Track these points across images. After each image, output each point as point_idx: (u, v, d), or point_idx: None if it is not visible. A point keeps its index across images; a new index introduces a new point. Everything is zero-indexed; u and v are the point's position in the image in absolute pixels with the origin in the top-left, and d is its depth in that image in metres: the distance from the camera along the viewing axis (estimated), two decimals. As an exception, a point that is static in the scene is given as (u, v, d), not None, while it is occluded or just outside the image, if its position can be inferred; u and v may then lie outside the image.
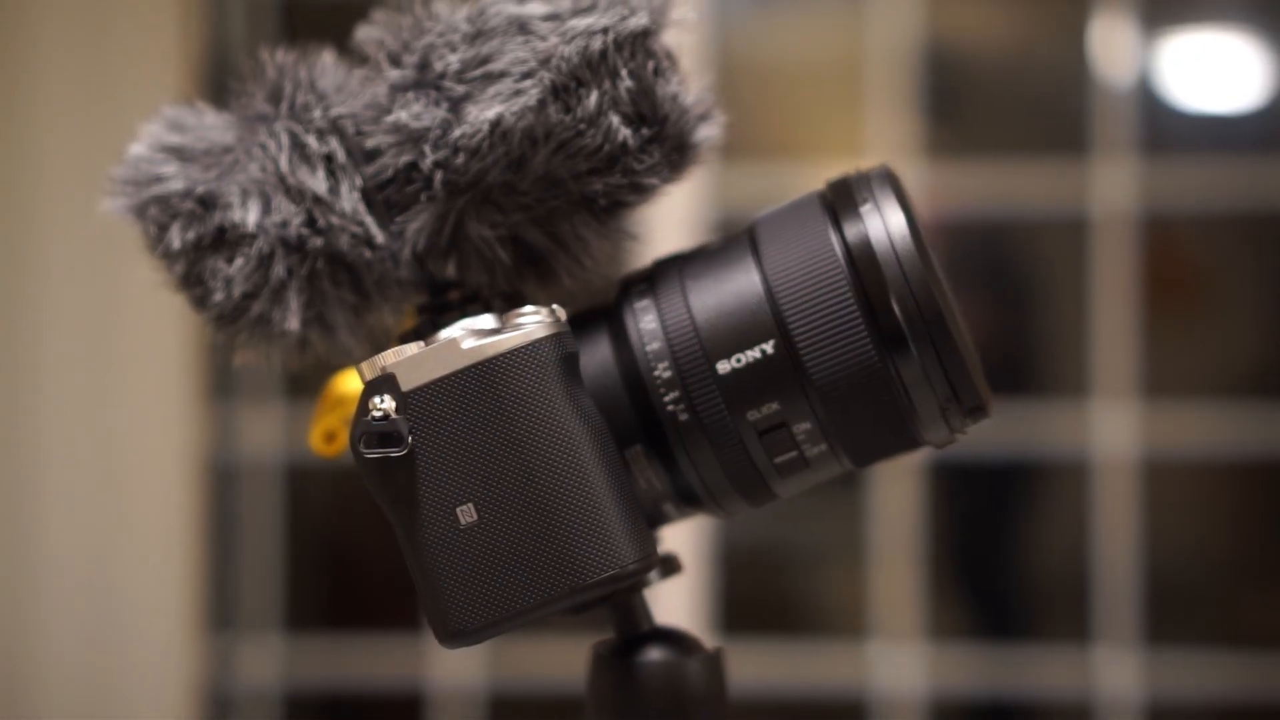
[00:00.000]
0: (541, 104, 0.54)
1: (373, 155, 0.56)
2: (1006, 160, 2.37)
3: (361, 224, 0.56)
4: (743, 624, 2.39)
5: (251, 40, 2.40)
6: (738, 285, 0.55)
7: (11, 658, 2.26)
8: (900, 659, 2.31)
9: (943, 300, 0.53)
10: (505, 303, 0.57)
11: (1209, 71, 2.37)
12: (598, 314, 0.59)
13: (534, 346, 0.53)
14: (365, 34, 0.58)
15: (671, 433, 0.56)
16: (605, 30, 0.55)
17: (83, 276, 2.22)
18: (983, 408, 0.55)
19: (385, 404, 0.53)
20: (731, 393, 0.55)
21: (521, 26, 0.55)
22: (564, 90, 0.54)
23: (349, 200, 0.55)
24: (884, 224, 0.54)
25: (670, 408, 0.56)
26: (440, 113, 0.54)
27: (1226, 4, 2.42)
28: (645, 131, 0.56)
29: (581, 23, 0.55)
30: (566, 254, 0.58)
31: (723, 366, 0.55)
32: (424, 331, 0.56)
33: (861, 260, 0.54)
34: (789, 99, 2.51)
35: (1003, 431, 2.31)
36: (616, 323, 0.57)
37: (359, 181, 0.56)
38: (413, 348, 0.54)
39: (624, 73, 0.55)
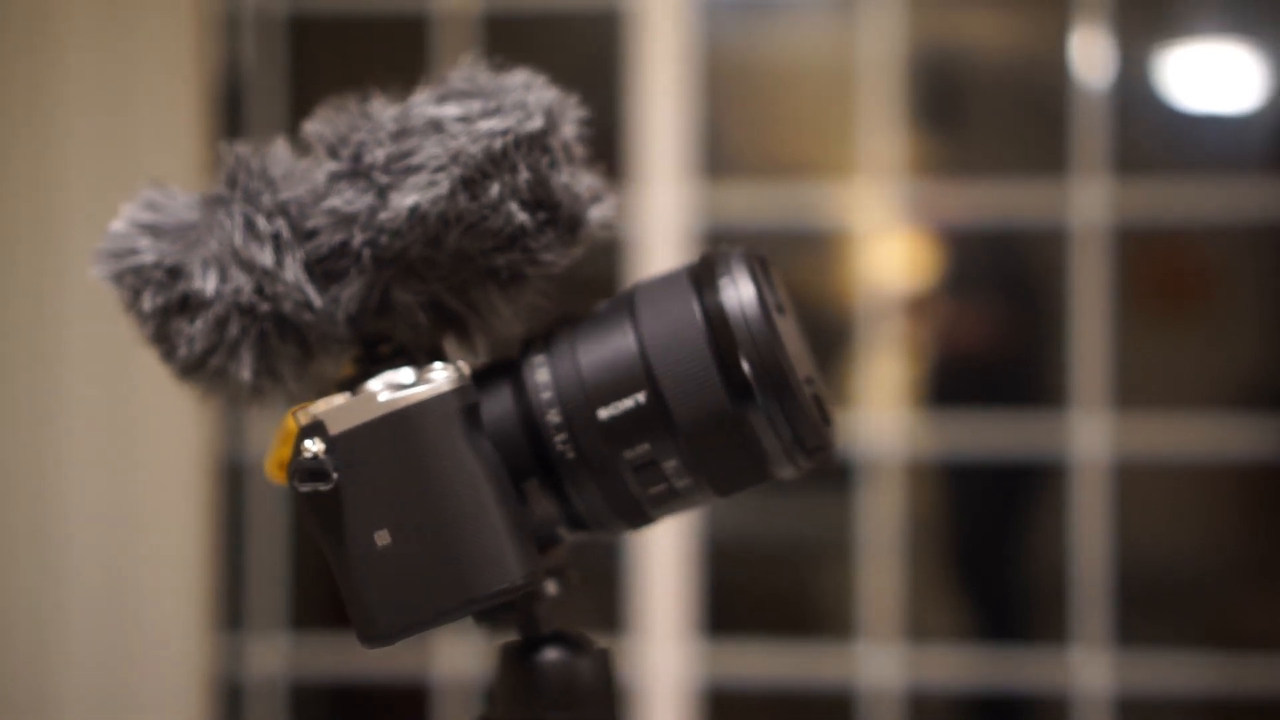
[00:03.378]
0: (452, 193, 0.65)
1: (312, 234, 0.66)
2: (994, 174, 2.42)
3: (303, 292, 0.66)
4: (731, 620, 2.44)
5: (262, 59, 2.48)
6: (616, 345, 0.66)
7: (32, 653, 2.33)
8: (885, 656, 2.37)
9: (784, 359, 0.63)
10: (428, 356, 0.68)
11: (1192, 82, 2.40)
12: (503, 366, 0.69)
13: (439, 399, 0.64)
14: (311, 127, 0.69)
15: (561, 469, 0.66)
16: (506, 132, 0.65)
17: (101, 285, 2.30)
18: (823, 448, 0.65)
19: (315, 446, 0.64)
20: (610, 435, 0.65)
21: (437, 126, 0.66)
22: (471, 182, 0.65)
23: (292, 271, 0.66)
24: (738, 295, 0.64)
25: (560, 447, 0.66)
26: (369, 199, 0.65)
27: (1208, 15, 2.46)
28: (541, 216, 0.67)
29: (486, 125, 0.65)
30: (478, 316, 0.69)
31: (603, 413, 0.65)
32: (357, 381, 0.67)
33: (717, 325, 0.64)
34: (778, 110, 2.56)
35: (989, 437, 2.37)
36: (517, 375, 0.68)
37: (301, 255, 0.66)
38: (340, 398, 0.65)
39: (522, 166, 0.66)
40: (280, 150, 0.70)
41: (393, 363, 0.67)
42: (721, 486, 0.66)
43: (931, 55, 2.46)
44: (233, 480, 2.43)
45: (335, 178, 0.66)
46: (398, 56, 2.58)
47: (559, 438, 0.66)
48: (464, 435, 0.64)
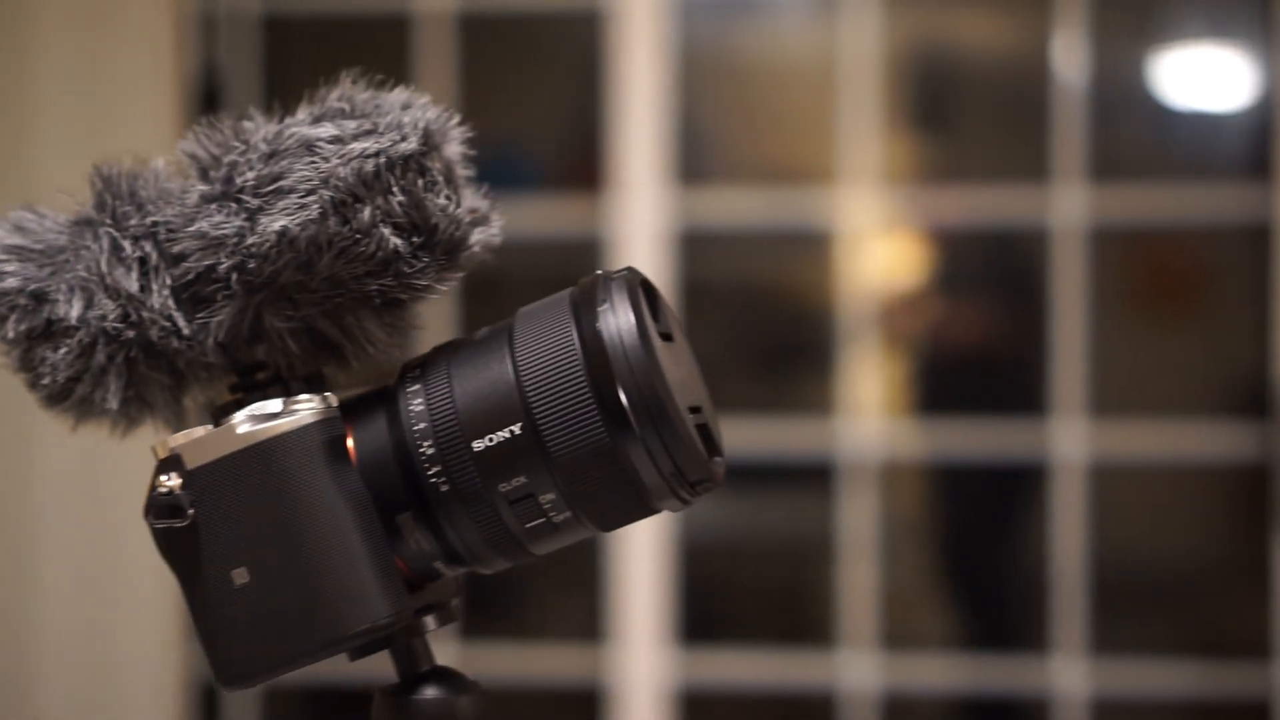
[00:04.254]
0: (322, 216, 0.63)
1: (181, 258, 0.64)
2: (975, 176, 2.41)
3: (170, 318, 0.65)
4: (711, 625, 2.44)
5: (238, 59, 2.48)
6: (493, 374, 0.64)
7: (10, 659, 2.33)
8: (865, 661, 2.36)
9: (663, 389, 0.62)
10: (305, 384, 0.67)
11: (1174, 83, 2.39)
12: (379, 396, 0.67)
13: (300, 432, 0.63)
14: (184, 146, 0.67)
15: (435, 502, 0.65)
16: (378, 154, 0.64)
17: None
18: (707, 480, 0.64)
19: (171, 481, 0.62)
20: (485, 468, 0.64)
21: (310, 148, 0.64)
22: (342, 205, 0.63)
23: (159, 297, 0.64)
24: (616, 323, 0.63)
25: (433, 480, 0.64)
26: (238, 222, 0.63)
27: (1190, 18, 2.45)
28: (416, 240, 0.65)
29: (359, 146, 0.64)
30: (353, 343, 0.67)
31: (478, 445, 0.64)
32: (229, 409, 0.65)
33: (594, 354, 0.62)
34: (759, 112, 2.55)
35: (971, 440, 2.36)
36: (392, 405, 0.66)
37: (169, 281, 0.64)
38: (200, 430, 0.63)
39: (396, 189, 0.64)
40: (154, 170, 0.68)
41: (267, 391, 0.66)
42: (602, 520, 0.65)
43: (913, 56, 2.45)
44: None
45: (205, 200, 0.65)
46: (376, 56, 2.58)
47: (432, 470, 0.64)
48: (327, 469, 0.63)
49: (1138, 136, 2.44)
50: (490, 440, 0.64)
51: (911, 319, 2.46)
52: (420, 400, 0.65)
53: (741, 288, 2.60)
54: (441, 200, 0.66)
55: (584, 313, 0.64)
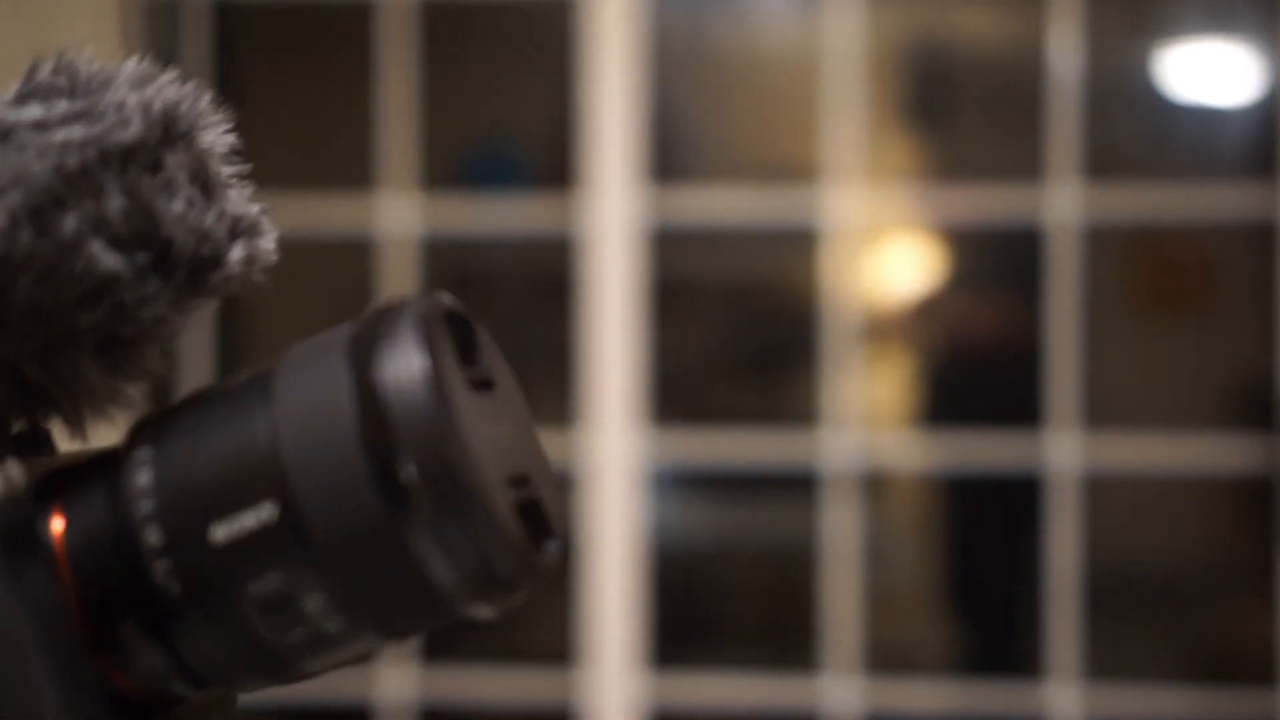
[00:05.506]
0: (13, 226, 0.48)
1: None
2: (968, 173, 2.33)
3: None
4: (685, 645, 2.35)
5: (188, 48, 2.37)
6: (243, 434, 0.48)
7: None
8: (848, 683, 2.26)
9: (463, 456, 0.46)
10: (18, 444, 0.51)
11: (1175, 79, 2.32)
12: (100, 463, 0.51)
13: None
14: None
15: (165, 606, 0.49)
16: (86, 143, 0.48)
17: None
18: (525, 577, 0.48)
19: None
20: (228, 562, 0.48)
21: (5, 135, 0.48)
22: (37, 211, 0.47)
23: None
24: (401, 369, 0.47)
25: (161, 578, 0.48)
26: None
27: (1190, 12, 2.37)
28: (141, 258, 0.49)
29: (64, 134, 0.48)
30: (67, 393, 0.52)
31: (219, 532, 0.48)
32: None
33: (370, 412, 0.47)
34: (737, 105, 2.47)
35: (963, 451, 2.27)
36: (114, 476, 0.50)
37: None
38: None
39: (113, 191, 0.49)
40: None
41: None
42: (387, 629, 0.49)
43: (902, 48, 2.37)
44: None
45: None
46: (336, 46, 2.47)
47: (160, 564, 0.48)
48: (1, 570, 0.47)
49: (1137, 133, 2.36)
50: (235, 526, 0.47)
51: (903, 322, 2.38)
52: (148, 471, 0.49)
53: (720, 289, 2.51)
54: (179, 206, 0.49)
55: (362, 357, 0.47)
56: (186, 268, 0.48)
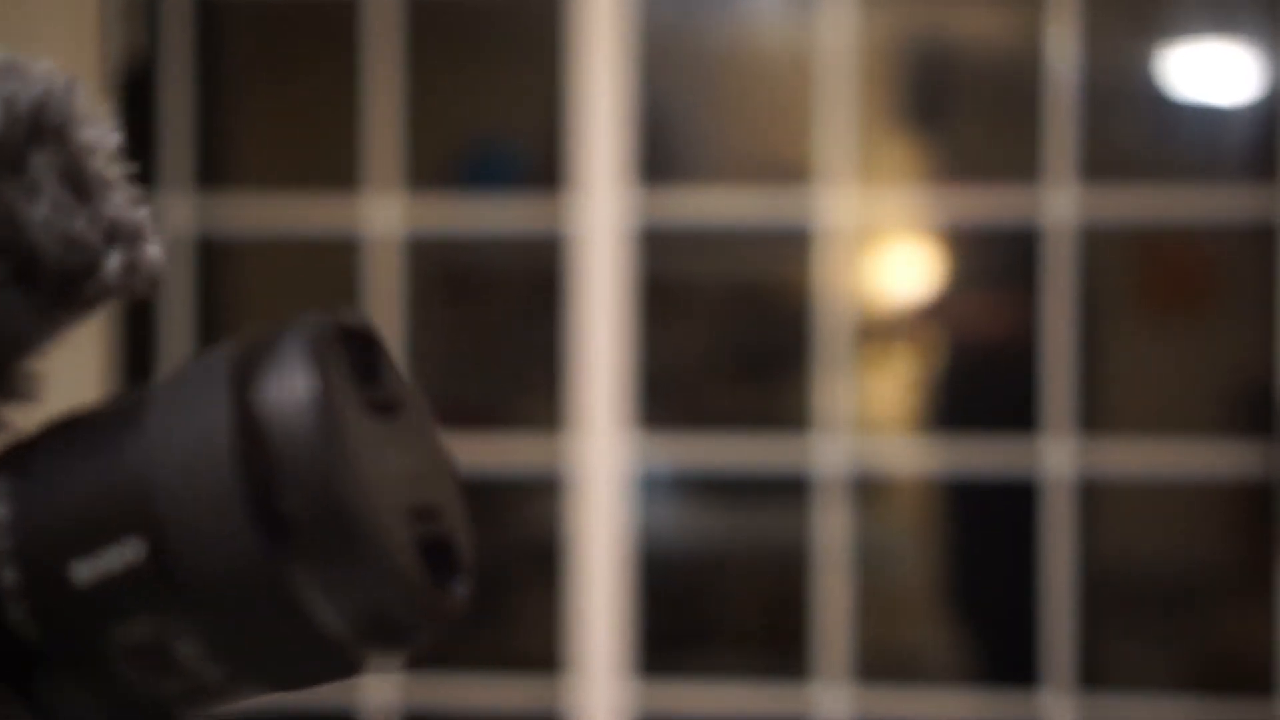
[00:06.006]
0: None
1: None
2: (965, 173, 2.30)
3: None
4: (673, 652, 2.32)
5: (169, 42, 2.33)
6: (110, 464, 0.44)
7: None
8: (840, 692, 2.23)
9: (352, 489, 0.42)
10: None
11: (1176, 79, 2.29)
12: None
13: None
14: None
15: (22, 655, 0.44)
16: None
17: None
18: (424, 623, 0.43)
19: None
20: (91, 605, 0.43)
21: None
22: None
23: None
24: (285, 393, 0.42)
25: (19, 623, 0.44)
26: None
27: (1192, 12, 2.34)
28: (1, 267, 0.45)
29: None
30: None
31: (81, 571, 0.43)
32: None
33: (249, 440, 0.42)
34: (729, 104, 2.44)
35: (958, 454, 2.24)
36: None
37: None
38: None
39: None
40: None
41: None
42: (273, 680, 0.44)
43: (898, 46, 2.34)
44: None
45: None
46: (321, 42, 2.44)
47: (17, 607, 0.44)
48: None
49: (1136, 133, 2.33)
50: (98, 565, 0.42)
51: (899, 324, 2.36)
52: (6, 505, 0.44)
53: (713, 290, 2.48)
54: (43, 210, 0.45)
55: (242, 379, 0.43)
56: (54, 278, 0.44)
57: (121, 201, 0.46)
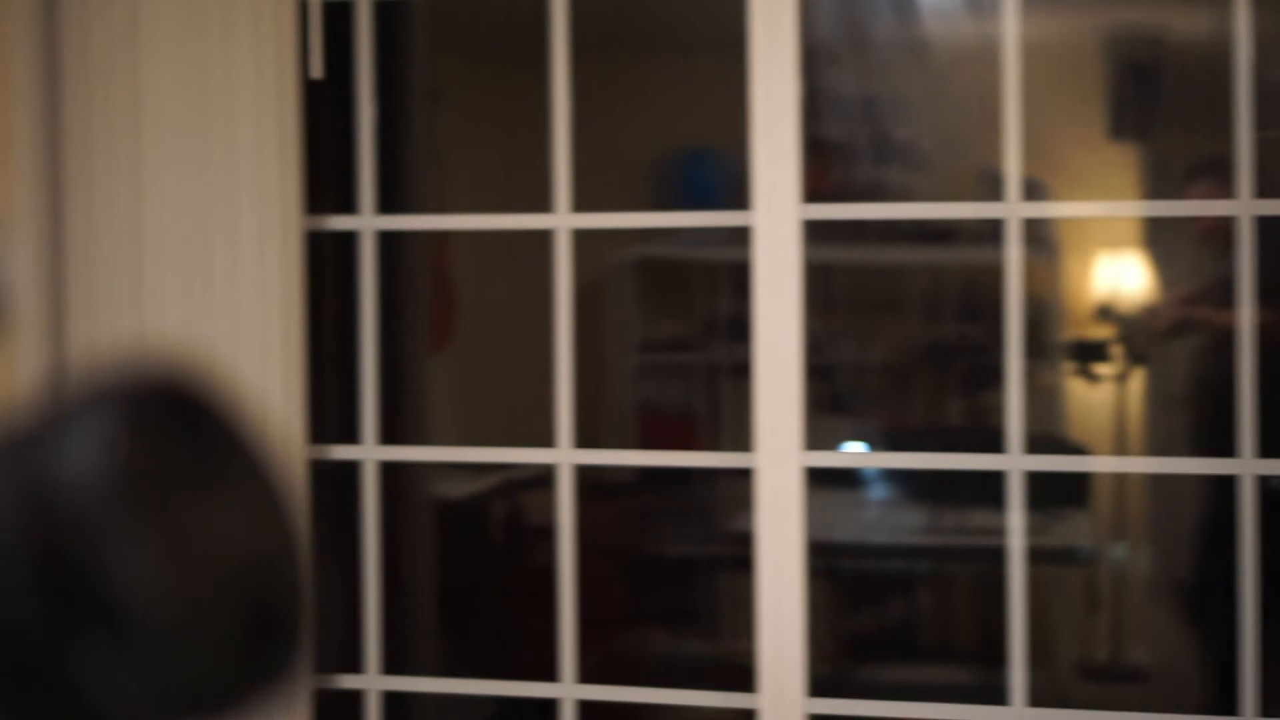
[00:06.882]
0: None
1: None
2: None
3: None
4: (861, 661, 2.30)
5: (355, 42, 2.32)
6: None
7: None
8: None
9: (145, 561, 0.40)
10: None
11: None
12: None
13: None
14: None
15: None
16: None
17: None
18: (235, 684, 0.41)
19: None
20: None
21: None
22: None
23: None
24: (81, 460, 0.40)
25: None
26: None
27: None
28: None
29: None
30: None
31: None
32: None
33: (38, 507, 0.40)
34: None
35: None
36: None
37: None
38: None
39: None
40: None
41: None
42: None
43: (1114, 56, 2.24)
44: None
45: None
46: (513, 35, 2.41)
47: None
48: None
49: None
50: None
51: (1130, 331, 2.31)
52: None
53: (910, 292, 2.43)
54: None
55: (40, 444, 0.41)
56: None
57: None
